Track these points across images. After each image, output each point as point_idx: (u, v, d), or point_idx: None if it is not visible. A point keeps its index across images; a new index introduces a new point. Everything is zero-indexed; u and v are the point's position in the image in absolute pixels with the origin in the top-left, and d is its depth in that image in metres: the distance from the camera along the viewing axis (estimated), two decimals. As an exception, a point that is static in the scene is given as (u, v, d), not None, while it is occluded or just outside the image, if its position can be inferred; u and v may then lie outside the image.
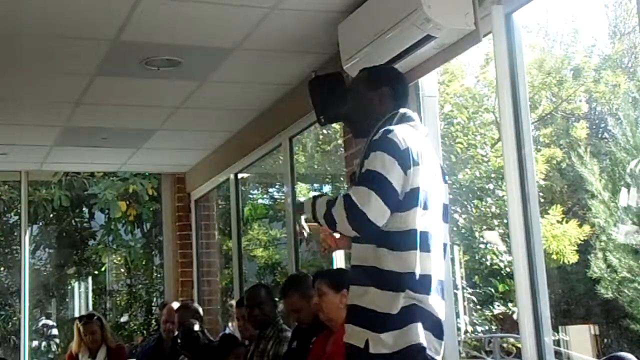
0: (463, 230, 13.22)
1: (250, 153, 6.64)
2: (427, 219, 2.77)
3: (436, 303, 2.75)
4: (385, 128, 2.82)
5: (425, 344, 2.69)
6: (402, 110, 2.95)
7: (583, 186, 10.93)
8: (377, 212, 2.66)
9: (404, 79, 3.15)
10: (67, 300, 15.17)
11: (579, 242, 11.99)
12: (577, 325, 12.11)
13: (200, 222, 8.12)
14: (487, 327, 12.53)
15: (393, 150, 2.73)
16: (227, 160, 7.07)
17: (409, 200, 2.73)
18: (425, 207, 2.76)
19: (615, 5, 15.33)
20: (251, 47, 4.78)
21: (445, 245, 2.91)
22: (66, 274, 14.41)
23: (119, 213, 12.39)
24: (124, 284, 14.79)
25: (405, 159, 2.73)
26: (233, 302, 6.62)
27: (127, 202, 12.60)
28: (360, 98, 3.08)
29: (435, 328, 2.75)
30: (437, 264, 2.78)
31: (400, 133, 2.78)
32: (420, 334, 2.68)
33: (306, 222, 3.04)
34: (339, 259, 5.34)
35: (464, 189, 12.97)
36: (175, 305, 6.49)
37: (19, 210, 11.03)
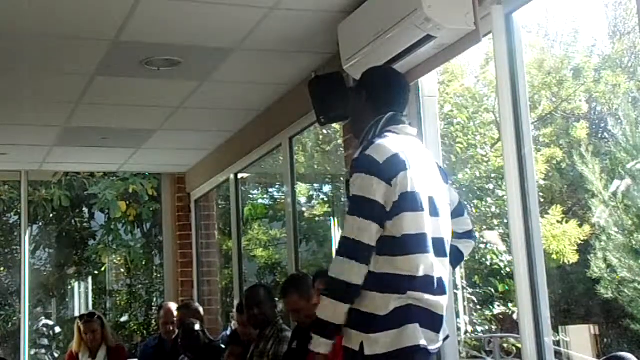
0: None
1: (250, 153, 6.64)
2: (421, 221, 2.77)
3: (436, 300, 2.76)
4: (368, 140, 2.87)
5: (423, 345, 2.70)
6: (390, 113, 2.96)
7: (583, 186, 10.92)
8: (365, 232, 2.71)
9: (387, 81, 3.07)
10: (67, 300, 15.15)
11: (579, 242, 11.98)
12: (577, 325, 12.10)
13: (200, 222, 8.12)
14: (487, 327, 12.52)
15: (370, 167, 2.76)
16: (227, 160, 7.07)
17: (399, 206, 2.74)
18: (416, 210, 2.77)
19: (615, 5, 15.32)
20: (251, 47, 4.78)
21: (448, 242, 2.92)
22: (66, 274, 14.39)
23: (119, 213, 12.39)
24: (124, 284, 14.78)
25: (385, 172, 2.76)
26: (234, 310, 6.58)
27: (127, 202, 12.59)
28: (350, 100, 3.14)
29: (434, 324, 2.76)
30: (437, 262, 2.79)
31: (381, 145, 2.81)
32: (418, 335, 2.69)
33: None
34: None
35: (464, 189, 12.95)
36: (172, 306, 6.50)
37: (19, 210, 11.02)
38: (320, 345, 2.78)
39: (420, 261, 2.73)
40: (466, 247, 3.12)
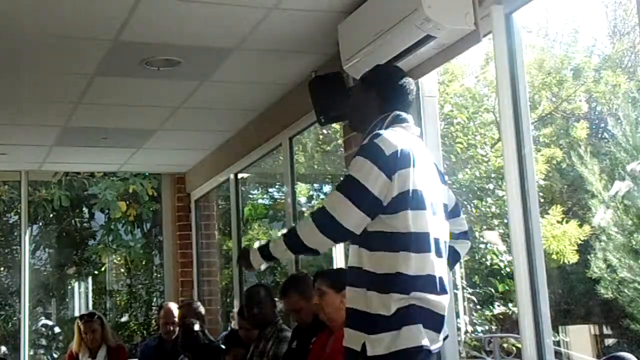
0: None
1: (250, 153, 6.64)
2: (424, 220, 2.77)
3: (437, 300, 2.76)
4: (375, 132, 2.84)
5: (426, 345, 2.70)
6: (395, 112, 2.95)
7: (583, 186, 10.93)
8: (349, 216, 2.71)
9: (397, 80, 3.04)
10: (67, 300, 15.14)
11: (579, 242, 11.98)
12: (577, 325, 12.11)
13: (200, 222, 8.12)
14: (487, 327, 12.53)
15: (375, 156, 2.74)
16: (227, 160, 7.07)
17: (398, 203, 2.73)
18: (419, 208, 2.76)
19: (615, 5, 15.34)
20: (251, 47, 4.78)
21: (446, 243, 2.92)
22: (66, 274, 14.39)
23: (119, 213, 12.40)
24: (124, 284, 14.77)
25: (390, 164, 2.74)
26: (235, 310, 6.58)
27: (127, 202, 12.60)
28: (353, 97, 3.13)
29: (436, 324, 2.76)
30: (437, 262, 2.79)
31: (389, 137, 2.80)
32: (421, 336, 2.69)
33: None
34: (339, 259, 5.35)
35: (464, 189, 12.96)
36: (172, 306, 6.49)
37: (19, 210, 11.01)
38: (277, 253, 2.92)
39: (423, 260, 2.73)
40: (462, 247, 3.14)
